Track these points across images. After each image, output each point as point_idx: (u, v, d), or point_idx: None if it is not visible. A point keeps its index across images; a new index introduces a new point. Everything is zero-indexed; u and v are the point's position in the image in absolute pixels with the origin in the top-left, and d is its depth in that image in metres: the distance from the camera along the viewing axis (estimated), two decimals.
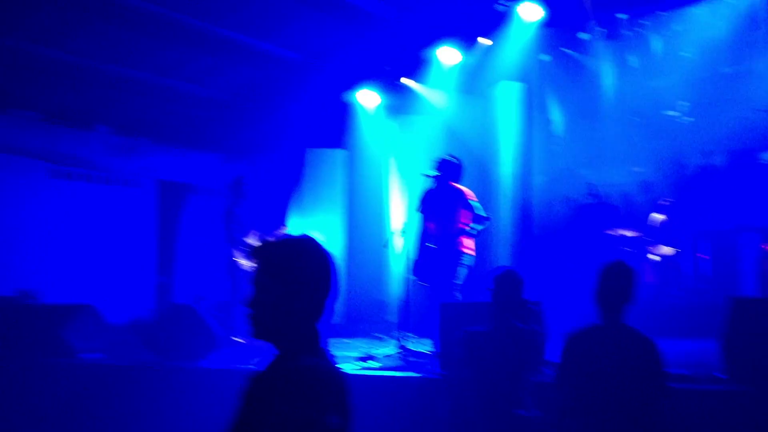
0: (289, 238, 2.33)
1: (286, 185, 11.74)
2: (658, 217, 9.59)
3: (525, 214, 11.19)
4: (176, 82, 11.29)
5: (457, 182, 7.55)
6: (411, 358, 7.04)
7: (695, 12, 10.52)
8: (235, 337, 8.17)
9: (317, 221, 11.63)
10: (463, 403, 4.98)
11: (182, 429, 6.51)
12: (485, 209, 7.69)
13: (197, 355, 7.39)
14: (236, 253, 8.51)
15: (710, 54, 10.44)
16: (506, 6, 10.45)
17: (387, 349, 7.61)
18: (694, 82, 10.63)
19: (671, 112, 10.86)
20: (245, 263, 8.31)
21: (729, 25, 10.30)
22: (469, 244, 7.47)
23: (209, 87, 11.67)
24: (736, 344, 4.99)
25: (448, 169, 7.51)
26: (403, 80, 11.47)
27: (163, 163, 11.89)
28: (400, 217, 7.68)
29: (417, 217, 7.67)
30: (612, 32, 11.08)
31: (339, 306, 11.34)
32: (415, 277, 7.66)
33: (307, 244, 2.32)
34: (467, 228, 7.40)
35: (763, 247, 8.61)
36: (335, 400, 2.16)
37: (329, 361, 2.28)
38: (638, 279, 4.08)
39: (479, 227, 7.46)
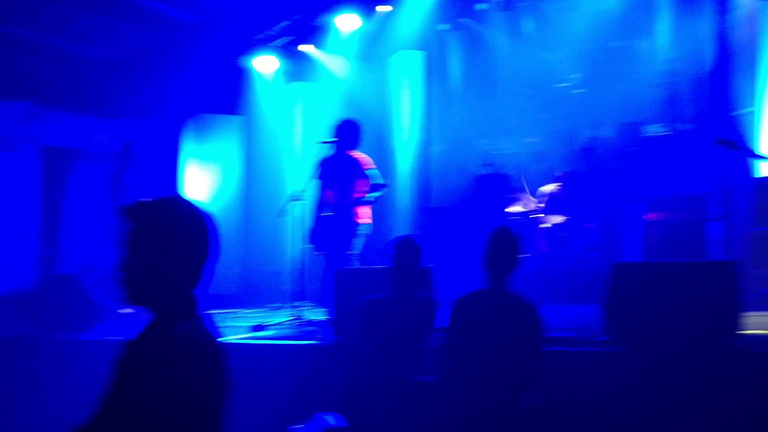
0: (162, 199, 2.23)
1: (177, 152, 11.43)
2: (549, 186, 9.85)
3: (422, 184, 11.31)
4: (62, 42, 10.71)
5: (355, 146, 7.49)
6: (305, 326, 7.04)
7: None
8: (124, 307, 7.90)
9: (211, 189, 11.40)
10: (361, 370, 5.03)
11: (62, 401, 6.30)
12: (383, 177, 7.68)
13: (79, 326, 7.16)
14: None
15: (600, 27, 10.73)
16: None
17: (281, 318, 7.54)
18: (585, 54, 10.90)
19: (563, 84, 11.12)
20: None
21: (617, 0, 10.61)
22: (365, 213, 7.46)
23: (98, 47, 11.13)
24: (616, 308, 5.21)
25: (346, 133, 7.41)
26: (302, 47, 11.32)
27: (48, 128, 11.34)
28: (296, 186, 7.56)
29: (314, 185, 7.59)
30: (508, 3, 11.27)
31: (234, 276, 11.21)
32: (311, 246, 7.60)
33: (181, 205, 2.24)
34: (364, 197, 7.38)
35: (645, 216, 8.96)
36: (210, 366, 2.11)
37: (205, 328, 2.22)
38: (523, 245, 4.17)
39: (376, 195, 7.46)
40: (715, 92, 9.65)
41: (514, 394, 3.96)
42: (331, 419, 4.47)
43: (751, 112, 9.07)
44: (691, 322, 5.01)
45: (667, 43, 10.48)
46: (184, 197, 2.26)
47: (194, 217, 2.24)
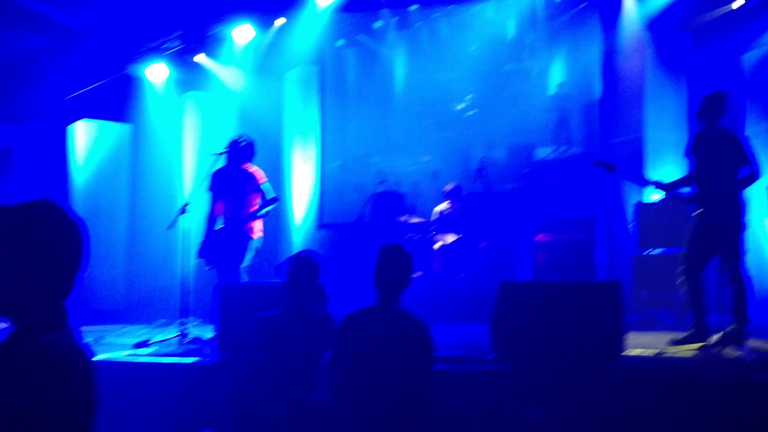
0: (26, 203, 2.06)
1: (64, 159, 10.94)
2: (443, 206, 9.91)
3: (317, 199, 11.22)
4: None
5: (249, 161, 7.35)
6: (190, 344, 6.83)
7: (482, 8, 11.00)
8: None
9: (97, 199, 10.95)
10: (250, 388, 4.96)
11: None
12: (276, 191, 7.56)
13: None
14: None
15: (495, 50, 10.95)
16: None
17: (166, 335, 7.29)
18: (480, 76, 11.08)
19: (458, 105, 11.26)
20: None
21: (512, 24, 10.86)
22: (257, 227, 7.32)
23: None
24: (503, 326, 5.25)
25: (239, 149, 7.29)
26: (195, 57, 11.06)
27: None
28: (187, 198, 7.34)
29: (206, 197, 7.40)
30: (404, 22, 11.37)
31: (120, 291, 10.80)
32: (201, 260, 7.38)
33: (46, 209, 2.07)
34: (257, 210, 7.23)
35: (536, 237, 9.12)
36: (75, 381, 1.98)
37: (74, 341, 2.07)
38: (415, 263, 4.12)
39: (269, 209, 7.32)
40: (604, 118, 9.99)
41: (404, 412, 3.90)
42: None
43: (638, 139, 9.42)
44: (577, 341, 5.08)
45: (558, 69, 10.78)
46: (52, 202, 2.08)
47: (62, 222, 2.08)
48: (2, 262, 2.00)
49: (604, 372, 4.89)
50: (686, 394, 4.58)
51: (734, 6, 9.33)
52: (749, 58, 9.34)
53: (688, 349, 5.66)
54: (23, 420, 1.86)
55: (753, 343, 5.71)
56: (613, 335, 5.08)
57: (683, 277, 6.03)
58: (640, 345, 5.87)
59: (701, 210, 6.00)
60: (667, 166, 9.15)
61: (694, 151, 6.09)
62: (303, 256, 4.56)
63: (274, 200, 7.33)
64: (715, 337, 5.69)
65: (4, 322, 2.06)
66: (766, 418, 4.31)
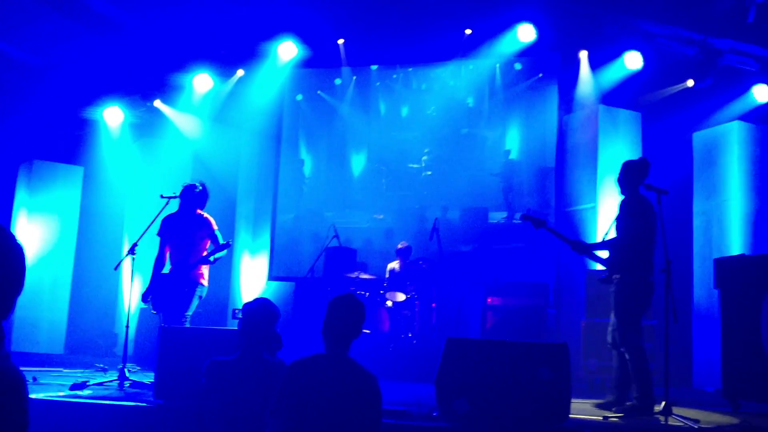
0: None
1: (11, 198, 10.69)
2: (394, 264, 9.86)
3: (267, 251, 11.10)
4: None
5: (202, 207, 7.28)
6: (129, 388, 6.66)
7: (441, 72, 11.18)
8: None
9: (44, 240, 10.66)
10: None
11: None
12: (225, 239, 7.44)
13: None
14: None
15: (451, 113, 11.10)
16: (264, 42, 10.44)
17: (105, 378, 7.10)
18: (437, 138, 11.21)
19: (414, 165, 11.33)
20: None
21: (470, 89, 11.05)
22: (205, 274, 7.18)
23: None
24: (448, 383, 5.15)
25: (194, 195, 7.22)
26: (155, 103, 11.01)
27: None
28: (135, 241, 7.22)
29: (156, 242, 7.28)
30: (364, 81, 11.50)
31: (60, 335, 10.48)
32: (147, 305, 7.21)
33: None
34: (207, 256, 7.09)
35: (487, 301, 9.10)
36: (10, 402, 1.96)
37: (10, 362, 2.03)
38: (365, 314, 4.04)
39: (220, 254, 7.19)
40: (559, 186, 10.12)
41: None
42: None
43: (592, 208, 9.55)
44: (522, 401, 5.02)
45: (514, 135, 10.95)
46: None
47: (3, 245, 2.06)
48: None
49: None
50: None
51: (686, 86, 9.65)
52: (699, 136, 9.60)
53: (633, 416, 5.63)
54: None
55: (697, 413, 5.71)
56: (559, 397, 5.02)
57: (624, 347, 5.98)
58: (586, 411, 5.83)
59: (624, 275, 6.00)
60: None
61: (619, 217, 6.11)
62: (261, 303, 4.50)
63: (225, 246, 7.20)
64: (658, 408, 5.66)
65: None
66: None
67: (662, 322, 6.46)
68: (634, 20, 9.52)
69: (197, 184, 7.31)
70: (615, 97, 9.83)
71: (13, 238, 2.10)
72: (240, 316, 4.48)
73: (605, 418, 5.49)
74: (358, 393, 3.86)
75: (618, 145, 9.67)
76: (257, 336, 4.38)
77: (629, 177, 6.12)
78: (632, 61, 9.55)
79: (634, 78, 9.69)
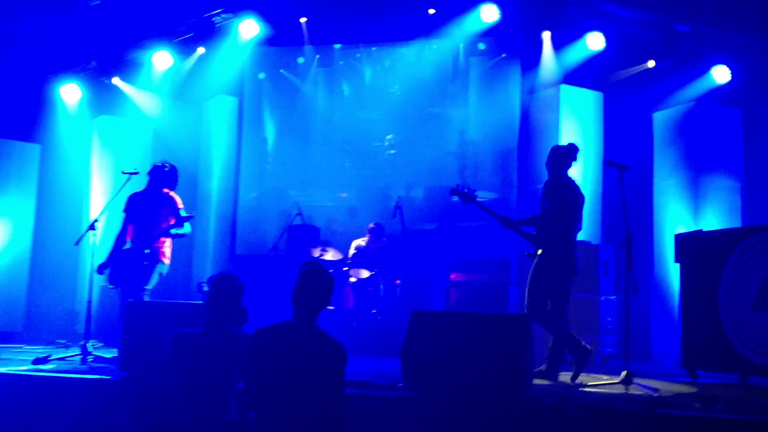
0: None
1: None
2: (360, 241, 9.85)
3: (232, 230, 11.02)
4: None
5: (172, 187, 7.30)
6: (92, 362, 6.65)
7: (404, 51, 11.15)
8: None
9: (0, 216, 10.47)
10: (159, 405, 4.92)
11: None
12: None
13: None
14: None
15: (416, 93, 11.08)
16: (224, 19, 10.30)
17: (67, 353, 7.11)
18: (400, 117, 11.20)
19: (378, 144, 11.31)
20: None
21: (434, 69, 11.04)
22: (167, 252, 7.16)
23: None
24: (412, 354, 5.19)
25: (163, 174, 7.25)
26: (113, 80, 10.81)
27: None
28: (96, 216, 7.17)
29: (116, 218, 7.26)
30: (327, 60, 11.43)
31: (20, 312, 10.34)
32: (107, 280, 7.14)
33: None
34: (169, 228, 7.05)
35: (450, 277, 9.13)
36: None
37: None
38: (333, 285, 4.08)
39: (182, 230, 7.14)
40: (521, 165, 10.18)
41: (313, 430, 3.77)
42: None
43: None
44: (486, 371, 5.06)
45: (477, 114, 10.97)
46: None
47: None
48: None
49: (513, 401, 4.85)
50: (592, 424, 4.57)
51: (647, 66, 9.74)
52: (660, 115, 9.72)
53: (597, 384, 5.72)
54: None
55: (657, 383, 5.81)
56: (522, 366, 5.06)
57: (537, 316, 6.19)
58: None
59: (544, 253, 6.28)
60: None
61: (549, 196, 6.34)
62: (225, 276, 4.52)
63: (188, 218, 7.16)
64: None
65: None
66: None
67: (623, 296, 6.60)
68: (597, 2, 9.60)
69: (166, 164, 7.30)
70: (577, 77, 9.89)
71: None
72: (205, 289, 4.46)
73: (566, 387, 5.55)
74: (324, 360, 3.87)
75: (580, 124, 9.74)
76: (222, 309, 4.40)
77: (556, 160, 6.42)
78: (594, 42, 9.60)
79: (596, 58, 9.75)
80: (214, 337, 4.35)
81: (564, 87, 9.77)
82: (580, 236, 8.82)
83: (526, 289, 6.30)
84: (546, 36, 9.95)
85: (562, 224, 6.26)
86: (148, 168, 7.37)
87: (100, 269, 7.07)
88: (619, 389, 5.44)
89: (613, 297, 8.15)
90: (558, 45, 9.94)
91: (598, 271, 8.01)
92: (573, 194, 6.35)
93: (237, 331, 4.42)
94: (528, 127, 10.25)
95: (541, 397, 4.89)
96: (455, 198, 6.82)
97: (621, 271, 7.10)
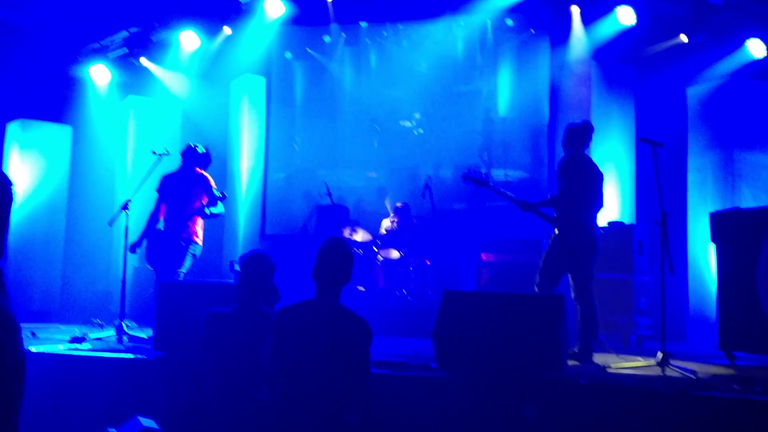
0: None
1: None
2: (387, 221, 9.82)
3: (261, 210, 11.05)
4: None
5: (205, 166, 7.37)
6: (127, 342, 6.75)
7: (432, 28, 11.03)
8: None
9: (34, 199, 10.56)
10: (194, 384, 4.90)
11: None
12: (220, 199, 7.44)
13: None
14: None
15: (444, 71, 10.97)
16: None
17: (103, 332, 7.23)
18: (428, 95, 11.10)
19: (406, 123, 11.23)
20: None
21: (462, 45, 10.91)
22: (199, 233, 7.21)
23: None
24: (445, 334, 5.17)
25: (198, 156, 7.33)
26: (141, 61, 10.83)
27: None
28: (128, 196, 7.24)
29: (153, 198, 7.34)
30: (353, 38, 11.34)
31: (55, 292, 10.49)
32: (144, 261, 7.24)
33: None
34: (203, 207, 7.13)
35: (482, 256, 9.08)
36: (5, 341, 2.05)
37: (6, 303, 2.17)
38: (353, 260, 4.02)
39: (216, 210, 7.19)
40: (551, 143, 10.05)
41: (340, 408, 3.75)
42: (147, 421, 4.37)
43: None
44: (519, 351, 5.02)
45: (506, 93, 10.84)
46: None
47: None
48: None
49: (547, 383, 4.81)
50: (629, 406, 4.52)
51: (680, 41, 9.53)
52: (693, 91, 9.53)
53: (633, 366, 5.65)
54: None
55: (693, 365, 5.72)
56: (556, 347, 5.01)
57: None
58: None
59: (558, 232, 6.28)
60: (615, 193, 9.26)
61: (563, 175, 6.30)
62: (257, 254, 4.52)
63: (222, 198, 7.23)
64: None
65: None
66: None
67: (657, 277, 6.50)
68: None
69: (199, 146, 7.37)
70: (608, 53, 9.71)
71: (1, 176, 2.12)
72: (237, 268, 4.46)
73: (602, 368, 5.50)
74: (348, 337, 3.85)
75: (611, 100, 9.59)
76: (254, 287, 4.39)
77: (571, 139, 6.39)
78: (625, 16, 9.40)
79: (627, 33, 9.54)
80: (246, 316, 4.35)
81: (594, 63, 9.61)
82: (612, 216, 8.84)
83: (539, 265, 6.29)
84: (575, 11, 9.78)
85: (581, 203, 6.22)
86: (181, 149, 7.44)
87: (132, 248, 7.18)
88: (656, 371, 5.37)
89: (648, 277, 8.04)
90: (587, 20, 9.76)
91: (632, 251, 7.90)
92: (589, 173, 6.30)
93: (270, 310, 4.41)
94: (558, 104, 10.10)
95: (577, 378, 4.84)
96: (468, 183, 6.82)
97: (655, 250, 6.98)
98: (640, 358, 6.11)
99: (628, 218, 8.99)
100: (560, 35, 10.01)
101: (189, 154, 7.30)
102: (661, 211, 5.94)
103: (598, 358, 6.11)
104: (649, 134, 6.64)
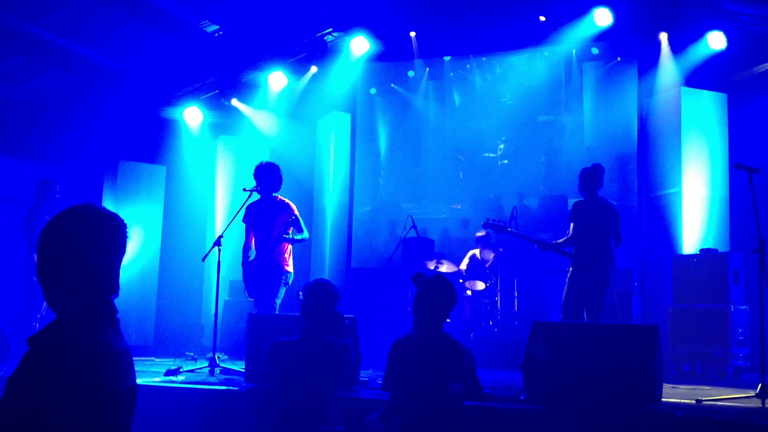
0: (68, 208, 2.18)
1: (95, 197, 11.05)
2: (474, 251, 9.79)
3: (347, 243, 11.18)
4: None
5: (278, 188, 7.37)
6: (220, 374, 6.86)
7: (515, 60, 11.04)
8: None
9: (131, 236, 10.97)
10: (269, 417, 4.86)
11: None
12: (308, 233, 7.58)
13: None
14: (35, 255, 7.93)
15: (526, 101, 10.95)
16: (336, 38, 10.52)
17: (196, 365, 7.36)
18: (512, 126, 11.08)
19: (490, 154, 11.22)
20: None
21: (545, 75, 10.87)
22: (288, 261, 7.27)
23: (19, 89, 10.79)
24: (535, 366, 5.10)
25: (267, 175, 7.31)
26: (232, 102, 11.22)
27: None
28: (220, 232, 7.44)
29: (242, 229, 7.46)
30: (437, 72, 11.46)
31: (149, 328, 10.81)
32: (245, 294, 7.35)
33: (87, 211, 2.18)
34: (286, 234, 7.20)
35: None
36: (91, 371, 2.02)
37: (104, 334, 2.11)
38: (456, 293, 4.17)
39: (299, 236, 7.28)
40: (642, 172, 9.87)
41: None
42: None
43: (676, 193, 9.27)
44: (612, 384, 4.90)
45: (591, 121, 10.73)
46: (92, 205, 2.20)
47: (103, 222, 2.18)
48: (47, 263, 2.13)
49: (641, 416, 4.68)
50: None
51: None
52: None
53: (731, 398, 5.45)
54: (51, 403, 1.93)
55: None
56: (650, 378, 4.88)
57: None
58: (677, 395, 5.68)
59: (573, 269, 6.73)
60: (707, 221, 9.01)
61: (573, 218, 6.77)
62: (319, 283, 4.50)
63: (303, 240, 7.34)
64: None
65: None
66: None
67: (755, 306, 6.27)
68: (716, 0, 9.21)
69: (266, 168, 7.37)
70: (698, 78, 9.51)
71: (109, 215, 2.20)
72: (301, 297, 4.47)
73: (698, 401, 5.32)
74: (452, 365, 3.98)
75: (702, 127, 9.36)
76: (317, 315, 4.36)
77: (584, 183, 6.87)
78: (715, 41, 9.19)
79: (718, 58, 9.32)
80: (311, 345, 4.31)
81: (685, 89, 9.41)
82: (706, 244, 8.59)
83: (562, 302, 6.74)
84: (663, 37, 9.64)
85: (591, 241, 6.65)
86: (255, 172, 7.44)
87: (244, 284, 7.28)
88: (755, 403, 5.16)
89: (744, 307, 7.77)
90: (676, 46, 9.60)
91: (727, 280, 7.66)
92: (595, 216, 6.70)
93: (335, 340, 4.36)
94: (647, 132, 9.93)
95: (673, 411, 4.70)
96: (489, 230, 7.41)
97: (752, 279, 6.76)
98: (737, 391, 5.88)
99: (722, 246, 8.71)
100: (648, 62, 9.88)
101: (259, 175, 7.31)
102: (758, 239, 5.75)
103: (692, 391, 5.91)
104: (743, 160, 6.46)
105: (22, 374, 1.96)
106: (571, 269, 6.78)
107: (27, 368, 1.97)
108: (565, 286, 6.80)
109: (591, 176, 6.86)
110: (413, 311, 4.09)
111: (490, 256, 9.47)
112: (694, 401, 5.32)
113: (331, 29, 10.53)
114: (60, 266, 2.11)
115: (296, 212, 7.33)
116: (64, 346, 2.00)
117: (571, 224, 6.79)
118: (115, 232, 2.20)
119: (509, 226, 9.35)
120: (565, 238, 6.88)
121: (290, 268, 7.28)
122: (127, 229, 2.25)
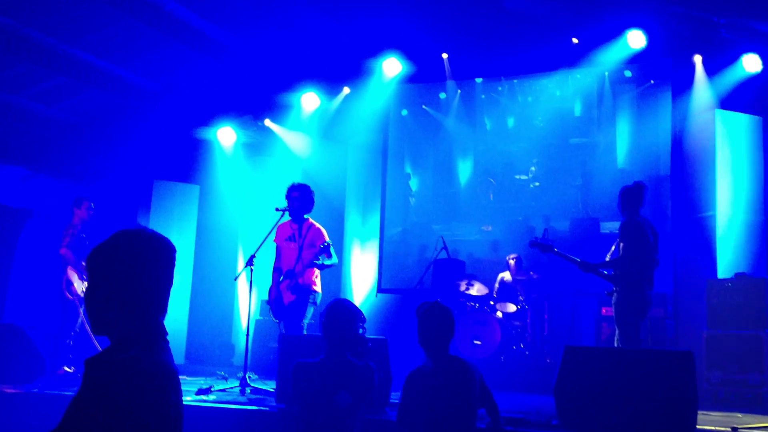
0: (118, 231, 2.25)
1: (131, 215, 11.20)
2: (505, 274, 9.75)
3: (378, 264, 11.20)
4: (23, 100, 10.58)
5: (309, 209, 7.39)
6: (250, 394, 6.89)
7: (547, 82, 11.03)
8: (66, 367, 8.13)
9: None
10: None
11: None
12: (338, 255, 7.59)
13: (23, 377, 7.11)
14: (70, 272, 8.22)
15: (558, 124, 10.93)
16: (369, 59, 10.61)
17: (227, 384, 7.39)
18: (544, 149, 11.06)
19: (522, 176, 11.20)
20: (78, 283, 8.23)
21: (578, 98, 10.85)
22: (317, 282, 7.29)
23: (57, 108, 11.02)
24: (567, 391, 5.06)
25: (299, 196, 7.33)
26: (265, 122, 11.34)
27: (1, 186, 11.04)
28: (252, 253, 7.47)
29: (273, 249, 7.52)
30: (469, 94, 11.49)
31: (180, 346, 10.89)
32: (271, 315, 7.40)
33: (136, 235, 2.24)
34: (316, 260, 7.16)
35: (602, 310, 8.88)
36: (150, 395, 2.09)
37: (161, 357, 2.19)
38: (453, 317, 4.26)
39: (328, 261, 7.25)
40: (675, 194, 9.78)
41: None
42: None
43: (711, 216, 9.17)
44: (646, 410, 4.85)
45: (624, 144, 10.67)
46: (142, 228, 2.25)
47: (151, 245, 2.23)
48: (96, 287, 2.17)
49: None
50: None
51: None
52: None
53: (766, 426, 5.36)
54: (119, 422, 1.99)
55: None
56: (686, 405, 4.82)
57: None
58: (711, 422, 5.59)
59: (621, 290, 6.46)
60: (742, 245, 8.90)
61: (624, 237, 6.52)
62: (338, 302, 4.48)
63: (332, 266, 7.35)
64: None
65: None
66: None
67: None
68: (751, 22, 9.13)
69: (297, 189, 7.41)
70: (733, 101, 9.41)
71: (158, 238, 2.25)
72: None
73: (734, 429, 5.24)
74: (466, 385, 4.09)
75: (737, 150, 9.27)
76: (338, 336, 4.33)
77: (626, 202, 6.66)
78: (751, 63, 9.13)
79: (753, 81, 9.25)
80: (334, 366, 4.28)
81: (720, 112, 9.32)
82: (741, 268, 8.47)
83: (616, 328, 6.44)
84: (697, 60, 9.58)
85: (638, 264, 6.43)
86: (287, 192, 7.47)
87: (270, 307, 7.31)
88: None
89: None
90: (711, 68, 9.53)
91: (764, 305, 7.55)
92: (647, 236, 6.50)
93: (358, 362, 4.32)
94: (681, 154, 9.84)
95: None
96: (535, 249, 7.22)
97: None
98: None
99: (758, 271, 8.59)
100: (682, 85, 9.80)
101: (291, 200, 7.33)
102: None
103: (727, 418, 5.82)
104: None
105: (89, 394, 2.01)
106: (616, 291, 6.49)
107: (94, 388, 2.01)
108: (615, 310, 6.46)
109: (633, 195, 6.65)
110: (420, 343, 4.23)
111: (510, 309, 9.41)
112: (729, 429, 5.24)
113: (364, 51, 10.60)
114: (117, 290, 2.16)
115: (327, 238, 7.31)
116: (130, 367, 2.05)
117: (621, 244, 6.55)
118: (167, 256, 2.26)
119: (546, 248, 9.34)
120: (611, 259, 6.67)
121: (318, 288, 7.29)
122: (174, 254, 2.30)
